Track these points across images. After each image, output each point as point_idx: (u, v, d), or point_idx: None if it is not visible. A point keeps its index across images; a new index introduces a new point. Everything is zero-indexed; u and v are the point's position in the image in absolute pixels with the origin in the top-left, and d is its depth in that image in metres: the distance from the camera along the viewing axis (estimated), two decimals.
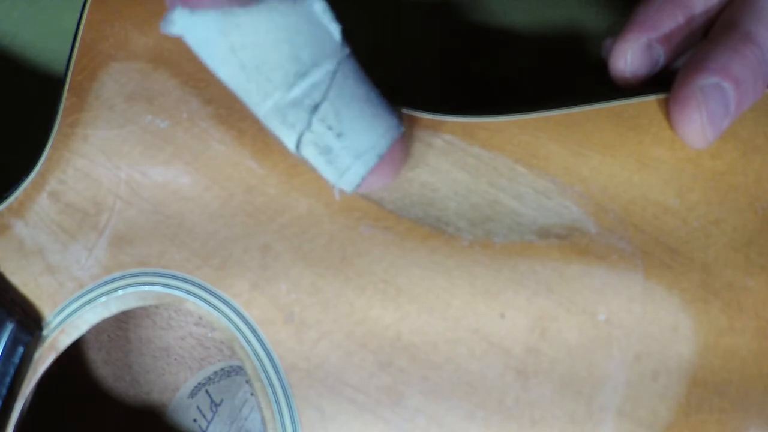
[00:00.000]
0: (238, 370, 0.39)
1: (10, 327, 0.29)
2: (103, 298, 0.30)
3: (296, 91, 0.27)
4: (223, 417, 0.39)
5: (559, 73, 0.38)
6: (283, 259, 0.30)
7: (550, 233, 0.30)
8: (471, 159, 0.31)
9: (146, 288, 0.30)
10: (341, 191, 0.29)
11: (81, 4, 0.32)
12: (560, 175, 0.30)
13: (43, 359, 0.30)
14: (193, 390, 0.39)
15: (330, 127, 0.27)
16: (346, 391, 0.29)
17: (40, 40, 0.39)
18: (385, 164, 0.29)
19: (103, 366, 0.38)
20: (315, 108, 0.27)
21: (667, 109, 0.30)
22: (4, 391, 0.29)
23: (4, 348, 0.29)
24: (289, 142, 0.28)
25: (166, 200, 0.31)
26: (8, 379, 0.29)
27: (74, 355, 0.38)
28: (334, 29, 0.27)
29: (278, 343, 0.30)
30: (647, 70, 0.31)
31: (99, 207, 0.31)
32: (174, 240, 0.30)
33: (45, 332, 0.30)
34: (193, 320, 0.38)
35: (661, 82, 0.31)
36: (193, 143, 0.31)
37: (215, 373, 0.39)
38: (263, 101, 0.27)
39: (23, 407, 0.30)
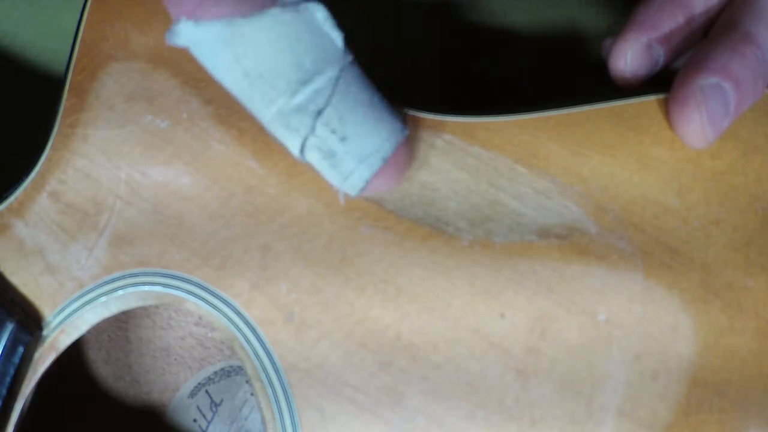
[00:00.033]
0: (238, 370, 0.39)
1: (10, 327, 0.29)
2: (103, 298, 0.30)
3: (300, 98, 0.27)
4: (223, 417, 0.39)
5: (559, 73, 0.38)
6: (283, 259, 0.30)
7: (550, 233, 0.30)
8: (471, 159, 0.31)
9: (146, 288, 0.30)
10: (345, 195, 0.29)
11: (81, 4, 0.32)
12: (560, 175, 0.30)
13: (43, 359, 0.30)
14: (193, 390, 0.39)
15: (334, 131, 0.27)
16: (346, 391, 0.29)
17: (40, 40, 0.39)
18: (390, 168, 0.29)
19: (103, 366, 0.38)
20: (319, 113, 0.27)
21: (667, 109, 0.30)
22: (4, 391, 0.29)
23: (4, 348, 0.29)
24: (293, 146, 0.28)
25: (166, 200, 0.31)
26: (8, 379, 0.29)
27: (74, 355, 0.38)
28: (337, 37, 0.27)
29: (278, 343, 0.30)
30: (647, 70, 0.31)
31: (99, 207, 0.31)
32: (174, 240, 0.30)
33: (45, 332, 0.30)
34: (193, 320, 0.38)
35: (661, 82, 0.31)
36: (193, 143, 0.31)
37: (215, 373, 0.39)
38: (267, 108, 0.27)
39: (23, 407, 0.30)
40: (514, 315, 0.29)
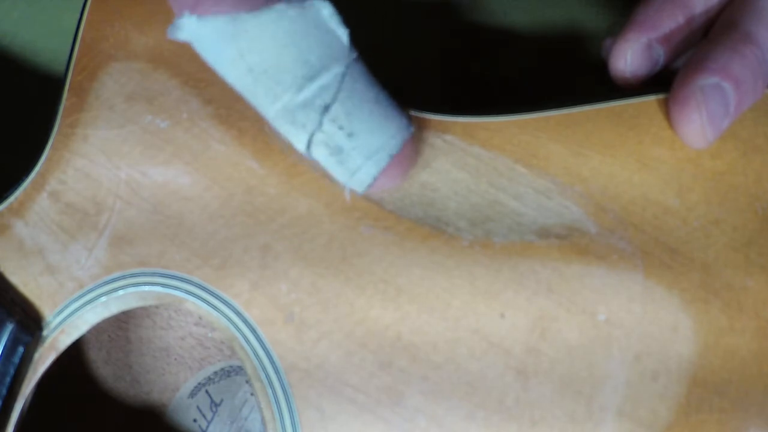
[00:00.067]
0: (238, 370, 0.39)
1: (10, 327, 0.29)
2: (103, 298, 0.30)
3: (306, 93, 0.27)
4: (223, 417, 0.39)
5: (559, 73, 0.38)
6: (283, 259, 0.30)
7: (550, 233, 0.30)
8: (471, 159, 0.31)
9: (146, 288, 0.30)
10: (351, 192, 0.29)
11: (81, 4, 0.32)
12: (560, 175, 0.30)
13: (43, 359, 0.30)
14: (193, 390, 0.39)
15: (341, 127, 0.27)
16: (346, 391, 0.29)
17: (40, 40, 0.39)
18: (396, 165, 0.29)
19: (103, 366, 0.38)
20: (326, 108, 0.27)
21: (667, 109, 0.30)
22: (4, 391, 0.29)
23: (4, 348, 0.29)
24: (299, 142, 0.28)
25: (166, 200, 0.31)
26: (8, 379, 0.29)
27: (74, 355, 0.38)
28: (342, 33, 0.27)
29: (278, 343, 0.30)
30: (647, 70, 0.31)
31: (99, 207, 0.31)
32: (174, 240, 0.30)
33: (45, 332, 0.30)
34: (193, 320, 0.38)
35: (661, 82, 0.31)
36: (193, 143, 0.31)
37: (215, 373, 0.39)
38: (272, 104, 0.27)
39: (23, 407, 0.30)
40: (514, 315, 0.29)
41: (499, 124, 0.31)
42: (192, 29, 0.26)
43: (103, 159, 0.31)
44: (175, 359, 0.39)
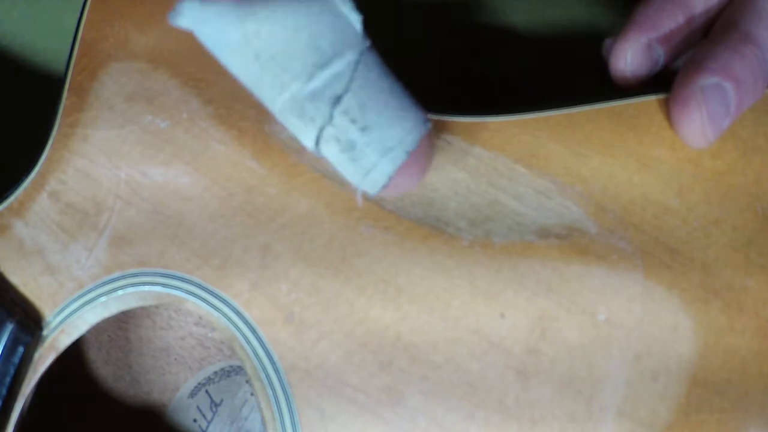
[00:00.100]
0: (238, 370, 0.39)
1: (10, 327, 0.29)
2: (103, 298, 0.30)
3: (316, 83, 0.25)
4: (223, 417, 0.39)
5: (559, 73, 0.38)
6: (283, 259, 0.30)
7: (550, 233, 0.30)
8: (471, 159, 0.31)
9: (146, 288, 0.30)
10: (364, 195, 0.27)
11: (81, 4, 0.32)
12: (560, 175, 0.30)
13: (43, 359, 0.30)
14: (193, 390, 0.39)
15: (354, 121, 0.25)
16: (346, 391, 0.29)
17: (40, 40, 0.39)
18: (413, 163, 0.27)
19: (103, 366, 0.38)
20: (337, 100, 0.25)
21: (667, 109, 0.30)
22: (4, 391, 0.29)
23: (4, 348, 0.29)
24: (308, 138, 0.26)
25: (166, 200, 0.31)
26: (8, 379, 0.29)
27: (74, 355, 0.38)
28: (355, 19, 0.25)
29: (278, 343, 0.30)
30: (647, 70, 0.31)
31: (99, 207, 0.31)
32: (174, 240, 0.30)
33: (45, 332, 0.30)
34: (193, 320, 0.38)
35: (661, 82, 0.31)
36: (193, 143, 0.31)
37: (215, 373, 0.39)
38: (279, 94, 0.25)
39: (23, 407, 0.30)
40: (514, 315, 0.29)
41: (499, 124, 0.31)
42: (195, 13, 0.24)
43: (103, 159, 0.31)
44: (175, 359, 0.39)
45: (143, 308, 0.38)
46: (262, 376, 0.30)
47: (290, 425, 0.29)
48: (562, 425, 0.29)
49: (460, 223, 0.30)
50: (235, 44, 0.25)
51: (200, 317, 0.38)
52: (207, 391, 0.39)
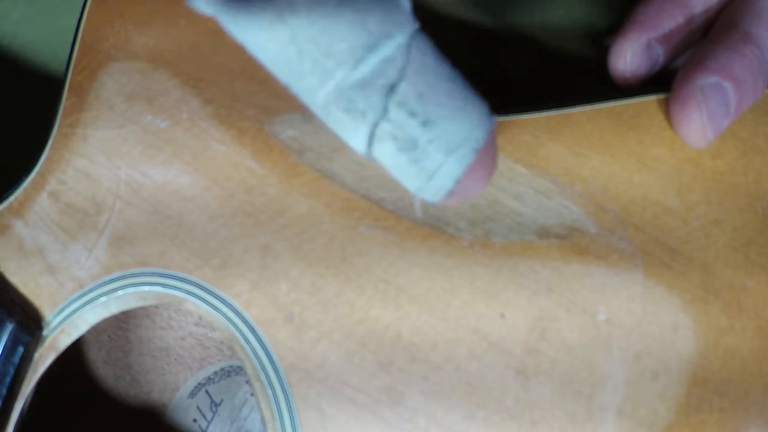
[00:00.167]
0: (238, 370, 0.39)
1: (10, 327, 0.29)
2: (103, 298, 0.30)
3: (365, 69, 0.20)
4: (223, 417, 0.39)
5: (559, 73, 0.38)
6: (283, 259, 0.30)
7: (550, 233, 0.30)
8: None
9: (146, 288, 0.30)
10: (423, 205, 0.24)
11: (81, 4, 0.32)
12: (560, 175, 0.30)
13: (43, 359, 0.30)
14: (193, 390, 0.39)
15: (413, 114, 0.21)
16: (346, 391, 0.29)
17: (40, 40, 0.39)
18: (482, 164, 0.22)
19: (103, 366, 0.38)
20: (391, 89, 0.21)
21: (667, 108, 0.30)
22: (4, 391, 0.29)
23: (4, 348, 0.29)
24: (358, 137, 0.21)
25: (166, 200, 0.31)
26: (8, 379, 0.29)
27: (74, 355, 0.38)
28: None
29: (278, 343, 0.30)
30: (647, 69, 0.31)
31: (99, 207, 0.31)
32: (174, 240, 0.30)
33: (45, 332, 0.30)
34: (193, 320, 0.38)
35: (661, 82, 0.31)
36: (193, 143, 0.31)
37: (215, 373, 0.39)
38: (321, 85, 0.21)
39: (23, 407, 0.30)
40: (514, 315, 0.29)
41: (499, 124, 0.31)
42: None
43: (103, 159, 0.31)
44: (175, 359, 0.39)
45: (143, 308, 0.38)
46: (262, 376, 0.30)
47: (290, 425, 0.29)
48: (562, 425, 0.29)
49: (460, 223, 0.30)
50: (267, 26, 0.20)
51: (200, 317, 0.38)
52: (207, 391, 0.39)
